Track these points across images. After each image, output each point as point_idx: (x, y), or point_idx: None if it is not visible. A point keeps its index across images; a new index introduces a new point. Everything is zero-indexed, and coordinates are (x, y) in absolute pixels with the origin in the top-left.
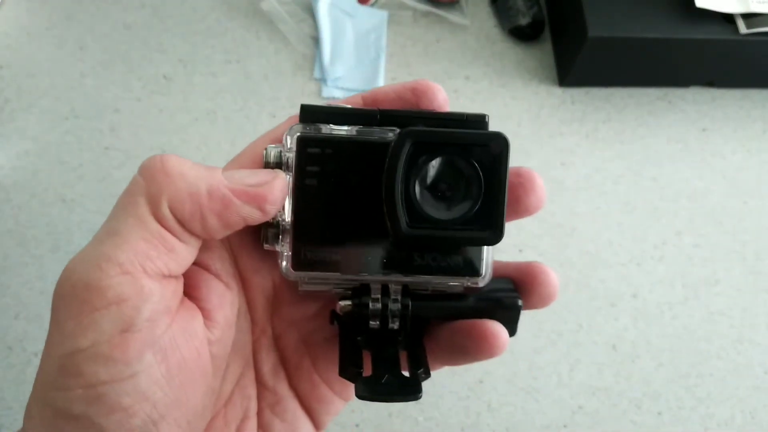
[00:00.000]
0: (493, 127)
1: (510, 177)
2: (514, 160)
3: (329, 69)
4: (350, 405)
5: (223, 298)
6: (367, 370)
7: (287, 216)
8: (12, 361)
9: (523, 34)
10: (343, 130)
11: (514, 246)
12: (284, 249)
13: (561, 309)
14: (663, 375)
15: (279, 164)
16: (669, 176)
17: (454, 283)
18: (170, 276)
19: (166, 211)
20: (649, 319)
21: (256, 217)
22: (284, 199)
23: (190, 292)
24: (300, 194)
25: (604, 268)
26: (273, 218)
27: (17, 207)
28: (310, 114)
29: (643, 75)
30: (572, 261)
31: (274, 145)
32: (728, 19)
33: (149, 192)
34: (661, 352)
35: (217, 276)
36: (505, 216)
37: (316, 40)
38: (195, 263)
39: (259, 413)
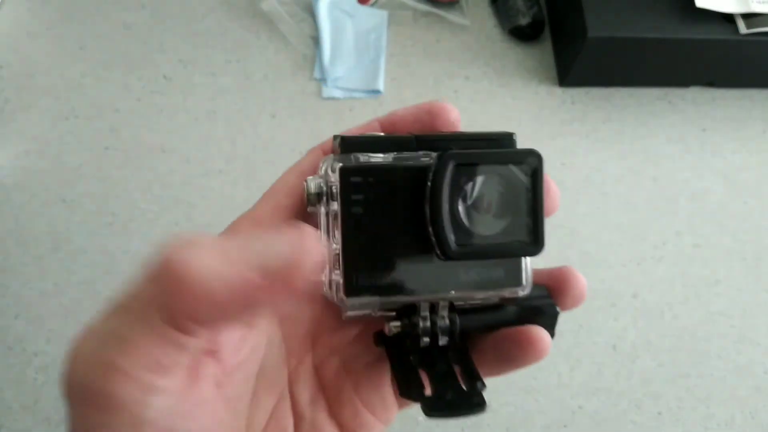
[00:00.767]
0: (493, 128)
1: None
2: None
3: (329, 69)
4: None
5: (242, 342)
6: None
7: (337, 243)
8: (12, 361)
9: (523, 34)
10: (380, 157)
11: None
12: (336, 277)
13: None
14: (663, 375)
15: (320, 194)
16: (669, 176)
17: (499, 294)
18: (178, 365)
19: (180, 318)
20: (649, 319)
21: (284, 308)
22: (316, 267)
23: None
24: (347, 223)
25: (604, 268)
26: (314, 179)
27: (17, 207)
28: (349, 144)
29: (643, 75)
30: (572, 261)
31: (312, 177)
32: (728, 19)
33: (159, 302)
34: (661, 352)
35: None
36: (544, 227)
37: (316, 40)
38: None
39: None
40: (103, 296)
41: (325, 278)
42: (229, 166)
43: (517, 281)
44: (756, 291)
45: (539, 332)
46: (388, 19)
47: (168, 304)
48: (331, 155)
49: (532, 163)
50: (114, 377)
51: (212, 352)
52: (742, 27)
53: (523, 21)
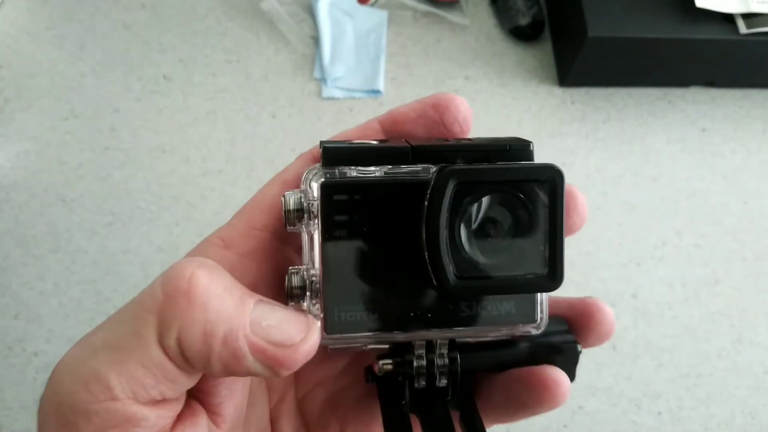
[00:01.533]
0: (494, 128)
1: None
2: None
3: (329, 69)
4: None
5: (233, 386)
6: None
7: (316, 269)
8: (12, 361)
9: (523, 34)
10: (369, 171)
11: None
12: (314, 309)
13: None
14: (663, 375)
15: (301, 211)
16: (669, 176)
17: (508, 332)
18: (165, 401)
19: (172, 343)
20: (649, 319)
21: (265, 375)
22: (307, 359)
23: (196, 386)
24: (329, 248)
25: (604, 268)
26: (297, 273)
27: (17, 207)
28: (332, 156)
29: (643, 75)
30: (572, 261)
31: (291, 192)
32: (728, 19)
33: (163, 314)
34: (661, 352)
35: None
36: (564, 258)
37: (316, 40)
38: None
39: None
40: (103, 296)
41: (305, 308)
42: (229, 166)
43: (530, 317)
44: (756, 291)
45: (556, 374)
46: (388, 19)
47: (167, 321)
48: (318, 165)
49: (551, 180)
50: (98, 393)
51: (206, 396)
52: (742, 27)
53: (523, 21)
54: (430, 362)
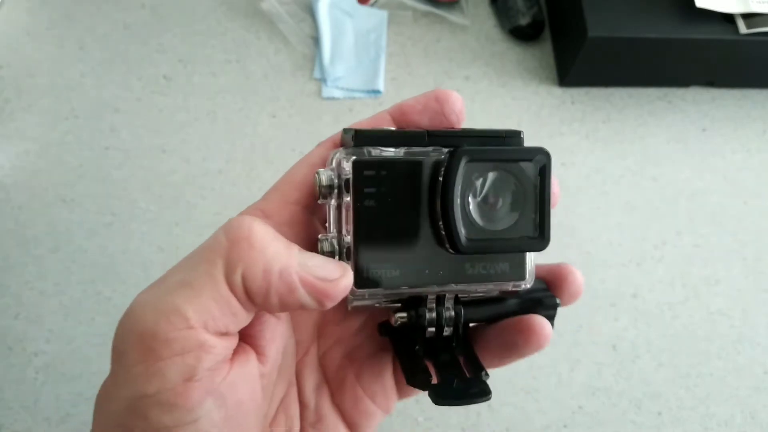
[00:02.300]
0: (494, 126)
1: None
2: None
3: (329, 69)
4: None
5: (275, 331)
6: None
7: (349, 234)
8: (12, 361)
9: (523, 34)
10: (391, 151)
11: None
12: None
13: (561, 309)
14: (663, 375)
15: (331, 186)
16: (669, 176)
17: (503, 287)
18: (227, 333)
19: (238, 280)
20: (649, 319)
21: (313, 307)
22: (344, 295)
23: (245, 330)
24: (360, 216)
25: (604, 268)
26: (327, 240)
27: (17, 207)
28: (362, 138)
29: (643, 75)
30: (572, 261)
31: (323, 170)
32: (728, 19)
33: (229, 256)
34: (661, 352)
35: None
36: (550, 223)
37: (316, 40)
38: None
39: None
40: (103, 296)
41: None
42: (229, 166)
43: (520, 275)
44: (756, 291)
45: (541, 321)
46: (388, 19)
47: (234, 261)
48: (341, 148)
49: (541, 160)
50: (178, 323)
51: (254, 340)
52: (742, 27)
53: (523, 21)
54: (439, 314)
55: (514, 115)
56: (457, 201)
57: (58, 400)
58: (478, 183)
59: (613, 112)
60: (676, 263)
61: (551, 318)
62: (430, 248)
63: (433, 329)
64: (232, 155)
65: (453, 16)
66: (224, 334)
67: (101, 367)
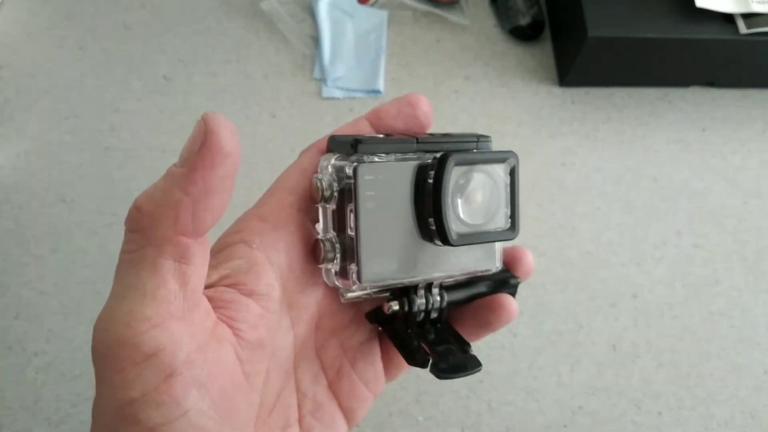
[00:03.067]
0: (494, 128)
1: None
2: None
3: (329, 69)
4: None
5: (260, 320)
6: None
7: (353, 234)
8: (12, 361)
9: (523, 34)
10: (385, 157)
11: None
12: (350, 266)
13: (561, 309)
14: (663, 375)
15: (331, 190)
16: (669, 176)
17: (477, 272)
18: (193, 308)
19: (175, 238)
20: (649, 319)
21: (231, 164)
22: (231, 127)
23: (228, 313)
24: (362, 217)
25: (604, 268)
26: (328, 240)
27: (17, 207)
28: (362, 146)
29: (643, 75)
30: (572, 261)
31: (321, 175)
32: (728, 19)
33: (149, 237)
34: (661, 352)
35: (258, 300)
36: (519, 215)
37: (316, 40)
38: (240, 290)
39: (300, 420)
40: (103, 296)
41: (334, 267)
42: None
43: (492, 261)
44: (756, 291)
45: (507, 298)
46: (388, 19)
47: (156, 233)
48: (330, 154)
49: (511, 162)
50: (139, 326)
51: (232, 315)
52: (742, 27)
53: (523, 21)
54: (427, 300)
55: (514, 115)
56: (448, 200)
57: (58, 400)
58: (462, 183)
59: (613, 112)
60: (676, 263)
61: (514, 294)
62: (418, 242)
63: (422, 314)
64: None
65: (453, 16)
66: (191, 311)
67: None
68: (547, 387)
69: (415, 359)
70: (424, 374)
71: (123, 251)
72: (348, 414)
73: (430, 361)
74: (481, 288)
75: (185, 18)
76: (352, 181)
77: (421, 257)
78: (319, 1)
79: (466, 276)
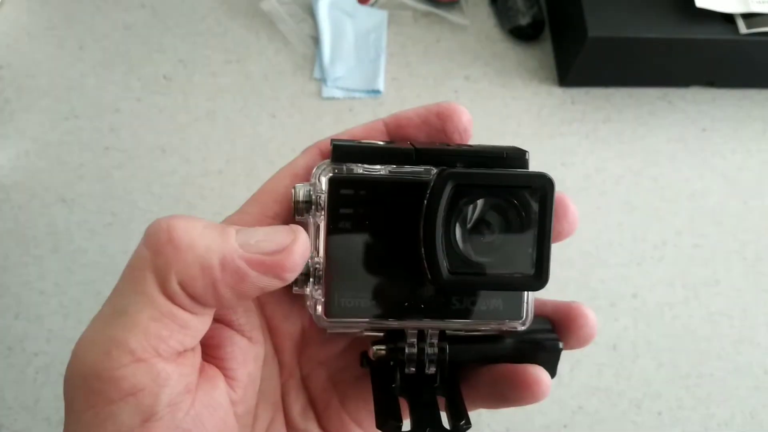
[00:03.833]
0: (494, 128)
1: None
2: None
3: (329, 69)
4: None
5: (247, 354)
6: (405, 415)
7: (320, 258)
8: (12, 361)
9: (523, 34)
10: (375, 169)
11: None
12: (316, 294)
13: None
14: (663, 375)
15: (309, 203)
16: (669, 176)
17: (495, 327)
18: (185, 351)
19: (176, 287)
20: (649, 319)
21: (274, 285)
22: (305, 260)
23: (212, 351)
24: (333, 239)
25: (604, 268)
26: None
27: (17, 207)
28: (341, 153)
29: (643, 75)
30: (572, 261)
31: (302, 184)
32: (728, 19)
33: (156, 266)
34: (661, 352)
35: (241, 332)
36: (550, 260)
37: (316, 40)
38: (218, 321)
39: None
40: (103, 296)
41: (308, 294)
42: (229, 166)
43: (516, 314)
44: (756, 291)
45: (538, 373)
46: (388, 19)
47: (163, 270)
48: (327, 161)
49: (541, 188)
50: (121, 358)
51: (222, 362)
52: (742, 27)
53: (523, 21)
54: (421, 350)
55: (514, 115)
56: (440, 230)
57: (58, 400)
58: (468, 209)
59: (613, 112)
60: (676, 263)
61: (553, 363)
62: (412, 279)
63: (413, 367)
64: (232, 155)
65: (453, 16)
66: (181, 354)
67: None
68: None
69: (384, 424)
70: None
71: (128, 265)
72: None
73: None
74: (505, 347)
75: (185, 18)
76: (324, 195)
77: (414, 298)
78: (319, 1)
79: (478, 330)
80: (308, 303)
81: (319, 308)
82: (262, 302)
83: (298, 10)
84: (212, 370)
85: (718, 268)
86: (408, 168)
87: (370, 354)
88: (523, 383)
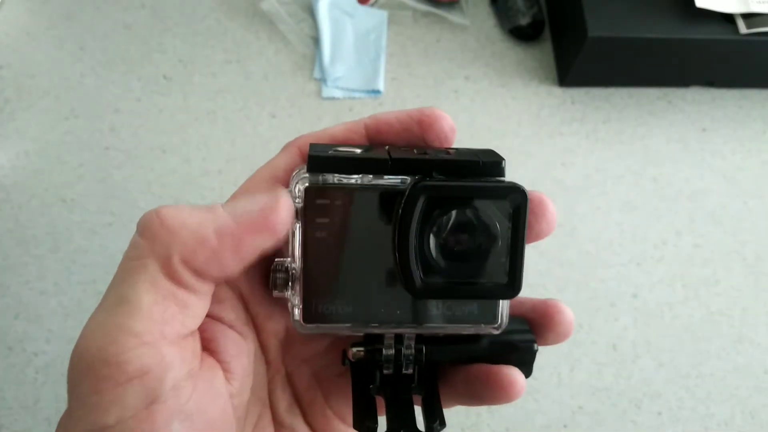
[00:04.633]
0: (494, 128)
1: None
2: (515, 161)
3: (329, 69)
4: None
5: (240, 348)
6: (381, 413)
7: (297, 265)
8: (12, 361)
9: (523, 34)
10: (351, 179)
11: None
12: (294, 298)
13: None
14: (663, 375)
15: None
16: (669, 176)
17: (470, 331)
18: (188, 335)
19: (178, 265)
20: (649, 319)
21: (270, 243)
22: (291, 213)
23: (208, 345)
24: (310, 247)
25: (604, 268)
26: (282, 265)
27: (17, 207)
28: (317, 163)
29: (643, 75)
30: (572, 261)
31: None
32: (728, 19)
33: (155, 251)
34: (661, 352)
35: (231, 327)
36: (523, 269)
37: (316, 40)
38: (209, 316)
39: None
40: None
41: (290, 297)
42: (229, 166)
43: (491, 319)
44: (756, 291)
45: (513, 374)
46: (388, 19)
47: (163, 253)
48: (304, 167)
49: (514, 200)
50: (127, 342)
51: (219, 355)
52: (742, 27)
53: (523, 21)
54: (398, 352)
55: (514, 115)
56: (414, 240)
57: (58, 400)
58: (442, 220)
59: (613, 112)
60: (676, 263)
61: (529, 363)
62: (388, 285)
63: (391, 368)
64: (232, 155)
65: (453, 16)
66: (183, 337)
67: None
68: (547, 387)
69: (359, 424)
70: None
71: (125, 257)
72: None
73: (377, 430)
74: (481, 348)
75: (185, 18)
76: (300, 204)
77: (390, 304)
78: (319, 1)
79: (455, 333)
80: (288, 306)
81: (296, 312)
82: (246, 302)
83: (298, 10)
84: (211, 360)
85: (718, 268)
86: (383, 178)
87: (349, 355)
88: (497, 384)
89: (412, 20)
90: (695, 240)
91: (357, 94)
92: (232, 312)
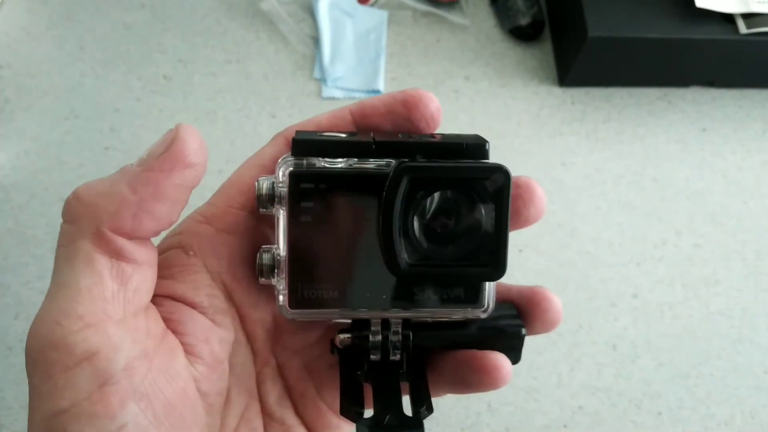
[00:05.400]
0: (494, 128)
1: None
2: (515, 161)
3: (329, 69)
4: None
5: (209, 333)
6: (369, 401)
7: (282, 251)
8: (12, 361)
9: (523, 34)
10: (336, 162)
11: (514, 246)
12: (280, 284)
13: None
14: (663, 375)
15: (272, 196)
16: (669, 176)
17: (457, 315)
18: (137, 311)
19: (110, 235)
20: (649, 319)
21: (191, 176)
22: (201, 141)
23: (175, 327)
24: (295, 231)
25: (604, 268)
26: (268, 251)
27: (17, 207)
28: (302, 147)
29: (643, 75)
30: (572, 261)
31: (265, 177)
32: (728, 19)
33: (83, 231)
34: (661, 352)
35: (203, 312)
36: (507, 251)
37: (316, 40)
38: (180, 300)
39: None
40: None
41: (276, 284)
42: (229, 166)
43: (478, 302)
44: (756, 291)
45: (499, 360)
46: (388, 19)
47: (90, 228)
48: (289, 154)
49: (498, 180)
50: (71, 325)
51: (181, 336)
52: (742, 27)
53: (523, 21)
54: (385, 338)
55: (513, 115)
56: (398, 222)
57: None
58: (426, 202)
59: (613, 112)
60: (676, 263)
61: (517, 349)
62: (375, 270)
63: (378, 354)
64: (232, 155)
65: (453, 16)
66: (133, 314)
67: None
68: (547, 387)
69: (345, 410)
70: None
71: (58, 246)
72: None
73: (364, 416)
74: (469, 334)
75: (185, 18)
76: (285, 189)
77: (376, 288)
78: (319, 1)
79: (441, 318)
80: (275, 292)
81: (281, 298)
82: (230, 290)
83: (298, 10)
84: (173, 341)
85: (718, 268)
86: (368, 161)
87: (337, 342)
88: (484, 370)
89: (412, 20)
90: (695, 240)
91: (357, 94)
92: (206, 298)
